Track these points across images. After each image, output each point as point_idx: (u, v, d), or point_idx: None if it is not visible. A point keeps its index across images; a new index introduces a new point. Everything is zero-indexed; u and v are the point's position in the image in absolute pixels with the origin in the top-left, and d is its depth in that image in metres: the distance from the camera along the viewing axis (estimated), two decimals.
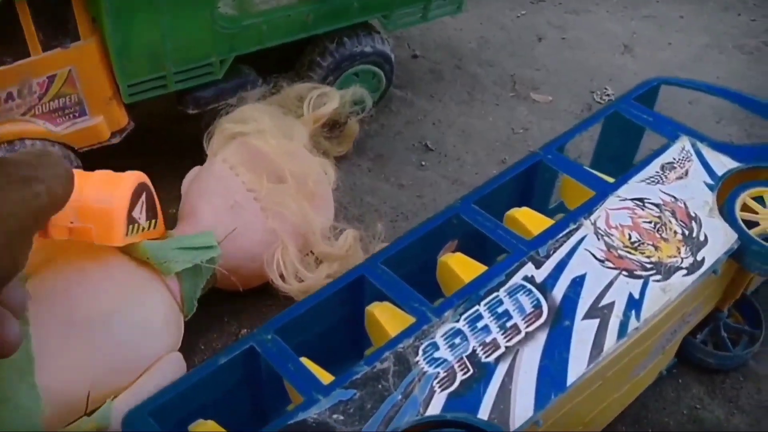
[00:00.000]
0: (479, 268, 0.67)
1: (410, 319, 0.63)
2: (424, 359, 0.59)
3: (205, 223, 0.81)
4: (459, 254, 0.71)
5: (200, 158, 0.91)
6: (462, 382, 0.57)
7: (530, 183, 0.80)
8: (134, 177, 0.69)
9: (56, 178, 0.35)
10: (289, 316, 0.64)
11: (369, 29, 1.05)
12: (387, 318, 0.64)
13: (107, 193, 0.65)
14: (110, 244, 0.66)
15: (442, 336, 0.60)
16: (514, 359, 0.59)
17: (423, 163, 1.09)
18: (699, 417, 0.78)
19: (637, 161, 0.83)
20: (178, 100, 0.97)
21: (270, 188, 0.82)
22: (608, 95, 1.22)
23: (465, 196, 0.74)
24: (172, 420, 0.59)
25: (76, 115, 0.89)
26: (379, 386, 0.57)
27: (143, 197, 0.71)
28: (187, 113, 0.96)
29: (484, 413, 0.55)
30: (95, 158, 0.91)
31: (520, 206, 0.75)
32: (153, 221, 0.74)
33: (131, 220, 0.68)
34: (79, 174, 0.66)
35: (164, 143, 1.05)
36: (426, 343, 0.60)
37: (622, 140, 0.89)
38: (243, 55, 0.95)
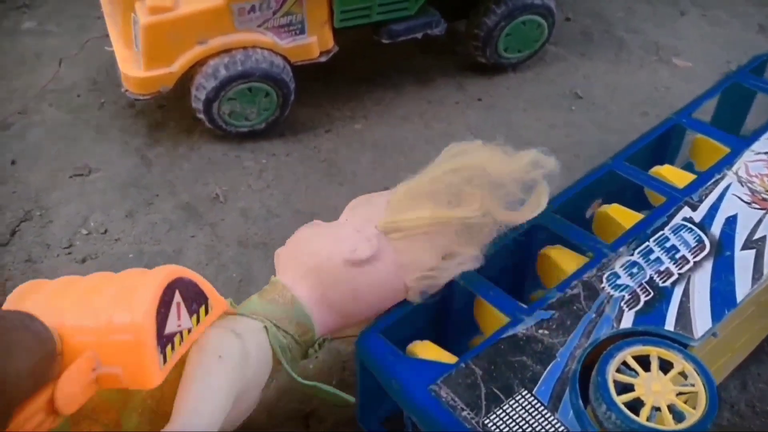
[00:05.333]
0: (635, 216, 0.75)
1: (582, 259, 0.71)
2: (609, 285, 0.67)
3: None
4: (616, 205, 0.78)
5: (376, 82, 1.07)
6: (646, 302, 0.65)
7: (663, 145, 0.90)
8: (157, 283, 0.52)
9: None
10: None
11: None
12: (562, 258, 0.73)
13: (125, 316, 0.49)
14: (145, 387, 0.50)
15: (621, 267, 0.68)
16: (687, 283, 0.67)
17: (573, 108, 1.23)
18: None
19: (753, 127, 0.90)
20: (374, 31, 1.14)
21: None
22: None
23: (615, 154, 0.83)
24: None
25: (297, 32, 1.07)
26: (574, 307, 0.66)
27: (176, 296, 0.53)
28: (381, 43, 1.14)
29: (669, 326, 0.63)
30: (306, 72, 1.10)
31: (652, 166, 0.84)
32: (202, 307, 0.57)
33: (166, 340, 0.51)
34: (89, 289, 0.53)
35: (352, 69, 1.25)
36: (608, 273, 0.68)
37: (734, 110, 0.99)
38: None
